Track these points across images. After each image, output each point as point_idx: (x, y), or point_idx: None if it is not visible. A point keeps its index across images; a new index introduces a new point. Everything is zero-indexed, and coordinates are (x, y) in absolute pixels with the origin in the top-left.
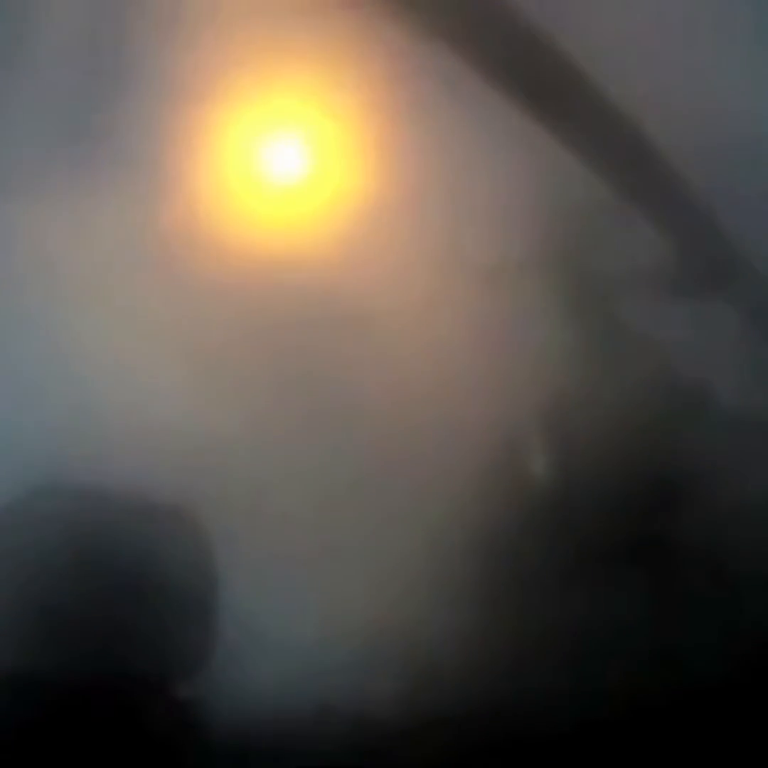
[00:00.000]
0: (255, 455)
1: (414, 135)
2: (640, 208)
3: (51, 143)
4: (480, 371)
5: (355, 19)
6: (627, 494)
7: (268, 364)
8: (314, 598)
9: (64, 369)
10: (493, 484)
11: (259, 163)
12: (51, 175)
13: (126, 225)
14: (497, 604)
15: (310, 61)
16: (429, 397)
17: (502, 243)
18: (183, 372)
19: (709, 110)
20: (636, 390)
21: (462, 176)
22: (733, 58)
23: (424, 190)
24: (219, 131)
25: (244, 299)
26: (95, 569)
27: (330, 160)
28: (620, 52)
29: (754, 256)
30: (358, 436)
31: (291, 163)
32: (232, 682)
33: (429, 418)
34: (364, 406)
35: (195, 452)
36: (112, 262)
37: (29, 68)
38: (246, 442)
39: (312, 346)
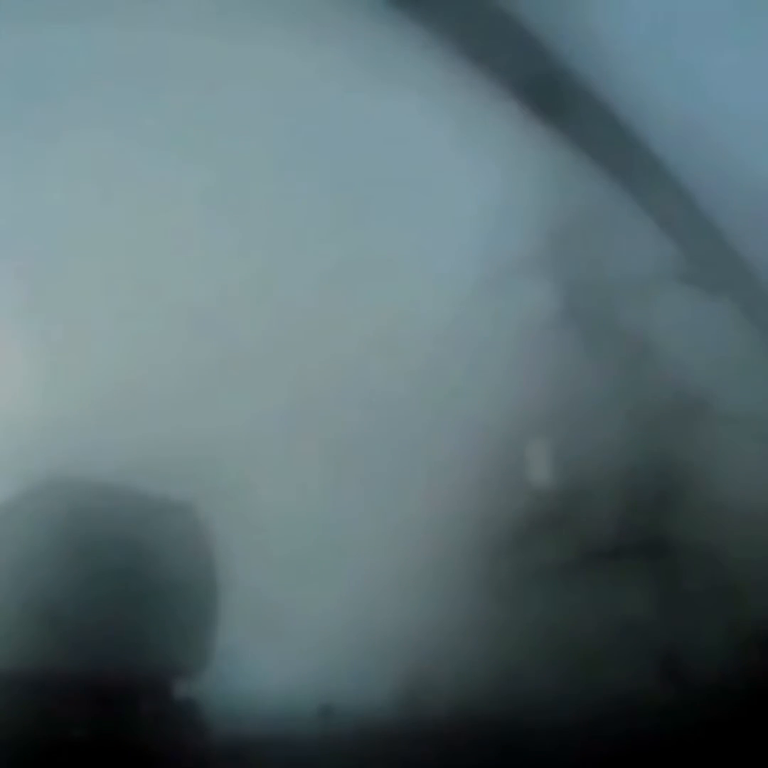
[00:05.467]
0: (257, 456)
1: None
2: (641, 208)
3: None
4: (481, 372)
5: None
6: (628, 494)
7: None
8: (315, 598)
9: (65, 365)
10: (496, 485)
11: None
12: None
13: None
14: (499, 604)
15: None
16: (431, 396)
17: (501, 244)
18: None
19: (709, 112)
20: (636, 391)
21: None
22: (733, 59)
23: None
24: None
25: None
26: (94, 570)
27: None
28: (621, 52)
29: (754, 256)
30: (362, 435)
31: None
32: (232, 682)
33: (430, 417)
34: (367, 404)
35: (196, 452)
36: None
37: None
38: (249, 443)
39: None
